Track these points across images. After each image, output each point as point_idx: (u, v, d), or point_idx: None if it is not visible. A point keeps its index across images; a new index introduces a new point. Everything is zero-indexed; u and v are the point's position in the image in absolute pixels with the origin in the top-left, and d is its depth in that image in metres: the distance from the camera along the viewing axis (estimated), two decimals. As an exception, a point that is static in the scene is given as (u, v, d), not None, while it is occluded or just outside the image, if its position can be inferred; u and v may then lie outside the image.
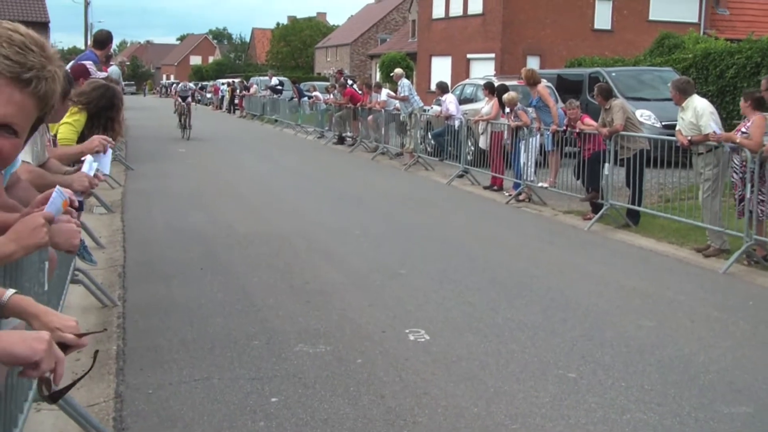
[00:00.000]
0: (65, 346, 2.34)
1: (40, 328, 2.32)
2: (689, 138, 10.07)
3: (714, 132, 9.76)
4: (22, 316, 2.42)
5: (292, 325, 6.68)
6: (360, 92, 24.72)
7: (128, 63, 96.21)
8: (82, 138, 6.83)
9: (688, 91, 10.39)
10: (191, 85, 45.32)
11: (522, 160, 14.15)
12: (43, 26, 45.76)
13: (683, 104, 10.33)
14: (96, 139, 5.43)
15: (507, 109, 14.97)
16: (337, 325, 6.71)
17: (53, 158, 5.22)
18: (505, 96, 14.95)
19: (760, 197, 9.10)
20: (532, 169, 14.06)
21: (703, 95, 18.81)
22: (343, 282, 8.19)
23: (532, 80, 14.44)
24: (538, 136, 14.13)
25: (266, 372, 5.63)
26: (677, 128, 10.51)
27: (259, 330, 6.52)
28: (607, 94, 12.22)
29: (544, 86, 14.83)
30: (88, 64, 9.06)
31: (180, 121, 27.84)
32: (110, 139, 5.60)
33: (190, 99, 28.57)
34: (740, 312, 7.47)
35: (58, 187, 2.89)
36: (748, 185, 9.14)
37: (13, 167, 3.64)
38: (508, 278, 8.45)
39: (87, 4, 59.63)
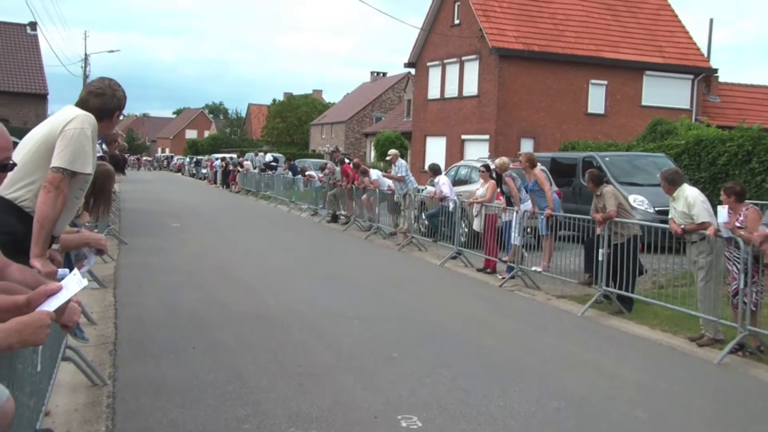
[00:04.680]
0: None
1: None
2: (682, 227, 10.14)
3: (715, 228, 9.74)
4: None
5: (285, 408, 6.61)
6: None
7: (125, 137, 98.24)
8: None
9: (677, 181, 10.50)
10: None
11: (513, 241, 14.25)
12: (41, 98, 46.34)
13: (674, 194, 10.44)
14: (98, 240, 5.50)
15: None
16: (330, 409, 6.64)
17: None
18: (498, 160, 15.23)
19: (754, 288, 9.14)
20: (519, 241, 14.16)
21: (695, 182, 19.07)
22: (336, 364, 8.13)
23: (531, 163, 14.58)
24: (518, 214, 14.29)
25: (257, 458, 5.55)
26: (670, 216, 10.59)
27: (250, 413, 6.45)
28: (598, 180, 12.33)
29: (540, 170, 14.96)
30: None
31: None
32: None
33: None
34: (736, 405, 7.43)
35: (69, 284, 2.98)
36: (742, 275, 9.17)
37: None
38: (501, 364, 8.40)
39: (86, 78, 60.52)
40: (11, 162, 3.58)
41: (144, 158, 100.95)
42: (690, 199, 10.19)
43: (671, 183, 10.51)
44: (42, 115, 43.82)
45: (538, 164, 15.29)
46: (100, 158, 8.07)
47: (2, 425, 3.34)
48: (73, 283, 3.12)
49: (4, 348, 2.75)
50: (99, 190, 7.01)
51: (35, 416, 4.97)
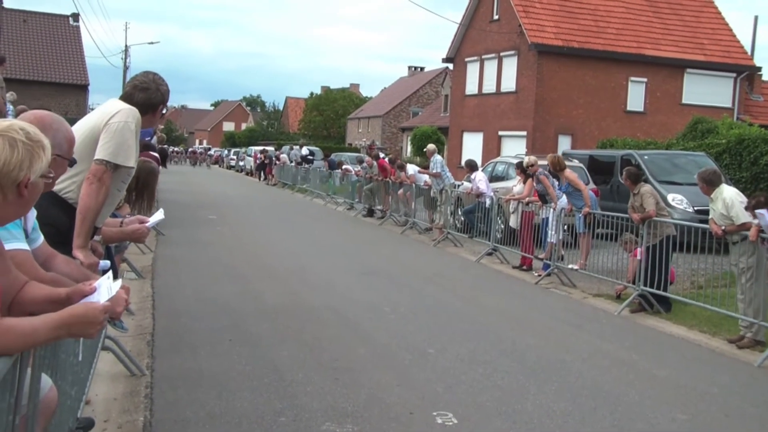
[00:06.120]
0: None
1: None
2: (723, 228, 10.01)
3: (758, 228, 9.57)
4: None
5: (320, 402, 6.63)
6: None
7: (163, 130, 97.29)
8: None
9: (714, 182, 10.35)
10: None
11: (549, 239, 14.18)
12: (82, 89, 46.86)
13: (712, 195, 10.29)
14: (140, 230, 5.54)
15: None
16: (365, 404, 6.65)
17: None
18: (526, 159, 15.19)
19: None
20: (556, 239, 14.05)
21: (737, 182, 18.84)
22: (372, 359, 8.14)
23: (558, 167, 14.40)
24: (555, 211, 14.20)
25: (293, 451, 5.57)
26: (710, 217, 10.45)
27: (286, 406, 6.48)
28: (636, 179, 12.19)
29: (571, 171, 14.73)
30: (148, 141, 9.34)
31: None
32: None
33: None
34: (776, 408, 7.33)
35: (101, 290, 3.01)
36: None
37: (37, 241, 3.68)
38: (537, 362, 8.36)
39: (126, 69, 61.11)
40: (73, 157, 3.67)
41: (199, 150, 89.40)
42: (728, 200, 10.04)
43: (709, 184, 10.36)
44: (82, 106, 44.35)
45: (566, 167, 15.08)
46: (146, 151, 8.16)
47: (46, 414, 3.38)
48: (104, 290, 3.12)
49: (52, 339, 2.78)
50: (143, 185, 7.13)
51: (76, 405, 5.02)
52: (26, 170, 2.78)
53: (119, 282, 3.22)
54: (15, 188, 2.78)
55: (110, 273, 3.31)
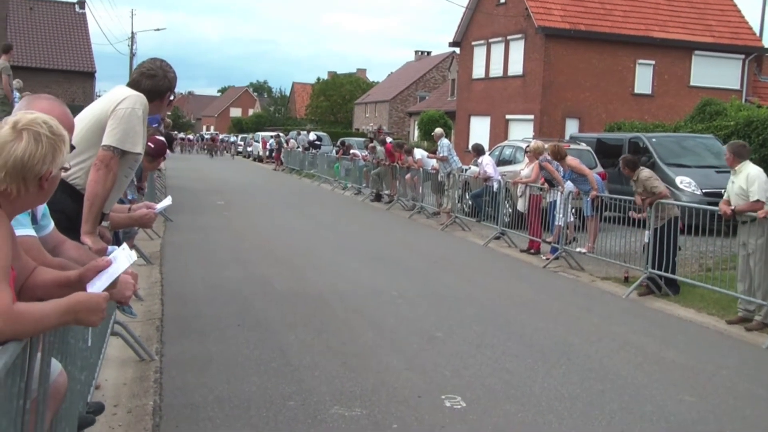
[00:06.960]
0: None
1: None
2: (732, 208, 9.96)
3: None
4: None
5: (329, 386, 6.65)
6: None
7: (170, 116, 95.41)
8: None
9: (743, 155, 10.23)
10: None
11: (557, 222, 14.17)
12: (89, 76, 46.90)
13: (736, 168, 10.19)
14: (147, 215, 5.56)
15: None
16: (373, 388, 6.66)
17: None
18: (532, 144, 15.14)
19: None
20: (564, 222, 14.01)
21: (745, 164, 18.73)
22: (380, 344, 8.15)
23: (559, 155, 14.33)
24: (562, 195, 14.16)
25: (302, 435, 5.59)
26: (725, 195, 10.37)
27: (295, 390, 6.50)
28: (633, 165, 12.07)
29: (572, 158, 14.65)
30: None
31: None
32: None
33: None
34: (784, 389, 7.33)
35: (119, 259, 3.03)
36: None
37: (47, 228, 3.70)
38: (546, 345, 8.37)
39: (132, 56, 61.14)
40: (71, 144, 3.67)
41: (220, 137, 77.80)
42: (752, 176, 9.90)
43: (737, 155, 10.20)
44: (89, 93, 44.39)
45: (567, 155, 14.99)
46: (152, 136, 8.17)
47: (56, 398, 3.41)
48: (123, 258, 3.16)
49: (60, 324, 2.81)
50: None
51: (86, 390, 5.05)
52: (49, 164, 2.85)
53: (134, 252, 3.26)
54: (37, 181, 2.83)
55: (124, 244, 3.34)
